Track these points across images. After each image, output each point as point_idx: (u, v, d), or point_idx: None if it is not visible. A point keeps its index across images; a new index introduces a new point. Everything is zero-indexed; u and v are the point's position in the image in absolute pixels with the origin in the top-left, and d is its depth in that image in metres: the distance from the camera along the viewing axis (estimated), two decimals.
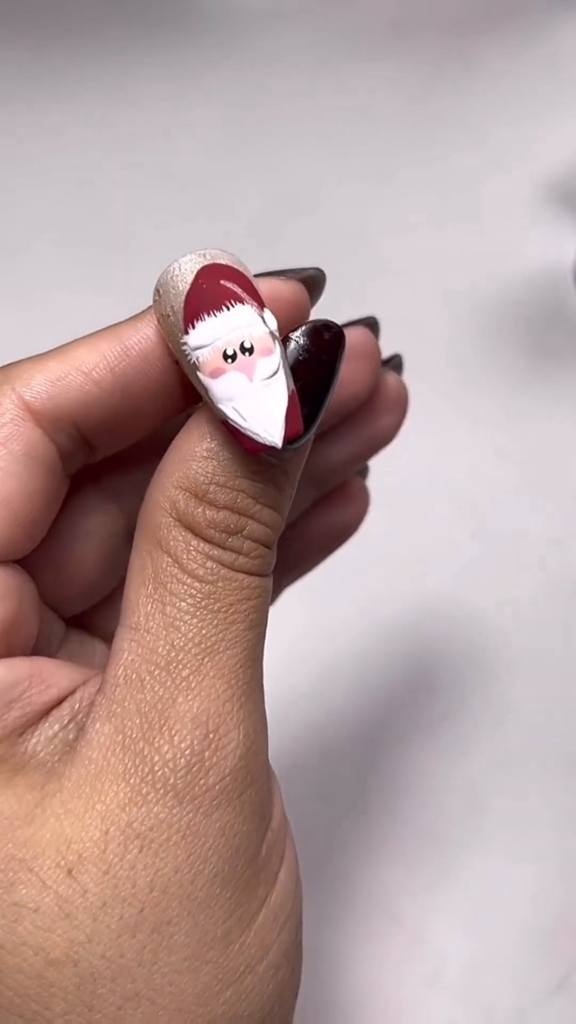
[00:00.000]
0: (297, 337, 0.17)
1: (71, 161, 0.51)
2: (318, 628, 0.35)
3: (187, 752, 0.16)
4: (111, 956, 0.15)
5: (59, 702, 0.17)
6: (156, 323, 0.17)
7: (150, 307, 0.18)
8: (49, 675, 0.17)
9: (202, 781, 0.16)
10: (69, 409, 0.17)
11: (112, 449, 0.19)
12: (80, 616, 0.21)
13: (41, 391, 0.17)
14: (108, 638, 0.21)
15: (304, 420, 0.17)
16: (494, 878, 0.30)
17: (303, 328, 0.17)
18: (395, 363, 0.24)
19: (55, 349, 0.18)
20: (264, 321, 0.16)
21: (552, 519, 0.37)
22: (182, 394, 0.18)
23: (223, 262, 0.17)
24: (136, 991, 0.15)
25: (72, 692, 0.17)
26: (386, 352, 0.23)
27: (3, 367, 0.17)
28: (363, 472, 0.26)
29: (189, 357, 0.16)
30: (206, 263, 0.16)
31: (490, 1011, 0.28)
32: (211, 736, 0.16)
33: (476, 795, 0.31)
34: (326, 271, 0.19)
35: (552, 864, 0.30)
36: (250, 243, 0.45)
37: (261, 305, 0.16)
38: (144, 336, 0.17)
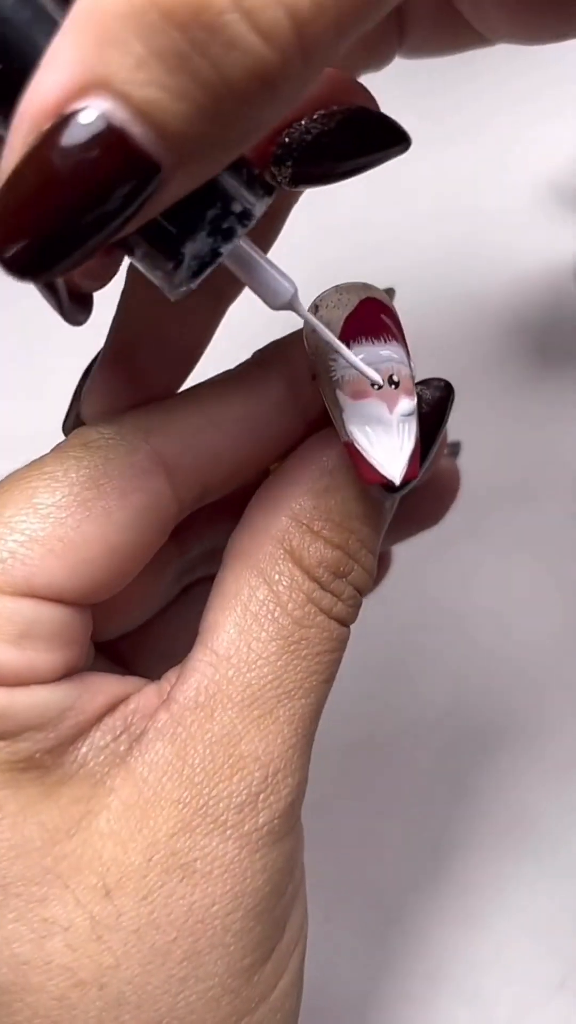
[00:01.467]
0: (421, 391, 0.18)
1: None
2: None
3: (244, 792, 0.16)
4: (138, 982, 0.15)
5: (109, 709, 0.17)
6: (274, 360, 0.17)
7: (274, 348, 0.17)
8: (94, 682, 0.17)
9: (252, 821, 0.16)
10: (201, 466, 0.17)
11: (222, 495, 0.18)
12: (106, 642, 0.21)
13: (176, 444, 0.16)
14: (129, 666, 0.21)
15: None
16: (494, 876, 0.30)
17: (422, 383, 0.18)
18: (453, 449, 0.24)
19: (186, 395, 0.17)
20: (410, 367, 0.17)
21: (553, 518, 0.37)
22: (300, 439, 0.18)
23: (385, 302, 0.17)
24: (159, 1019, 0.15)
25: (124, 701, 0.17)
26: None
27: (136, 413, 0.17)
28: None
29: (334, 374, 0.16)
30: (372, 295, 0.17)
31: (490, 1010, 0.28)
32: (269, 780, 0.16)
33: (476, 794, 0.31)
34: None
35: (553, 863, 0.30)
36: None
37: (408, 354, 0.17)
38: (276, 391, 0.17)
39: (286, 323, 0.17)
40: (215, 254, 0.14)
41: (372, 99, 0.17)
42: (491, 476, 0.38)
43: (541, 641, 0.34)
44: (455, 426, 0.39)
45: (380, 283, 0.48)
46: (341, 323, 0.16)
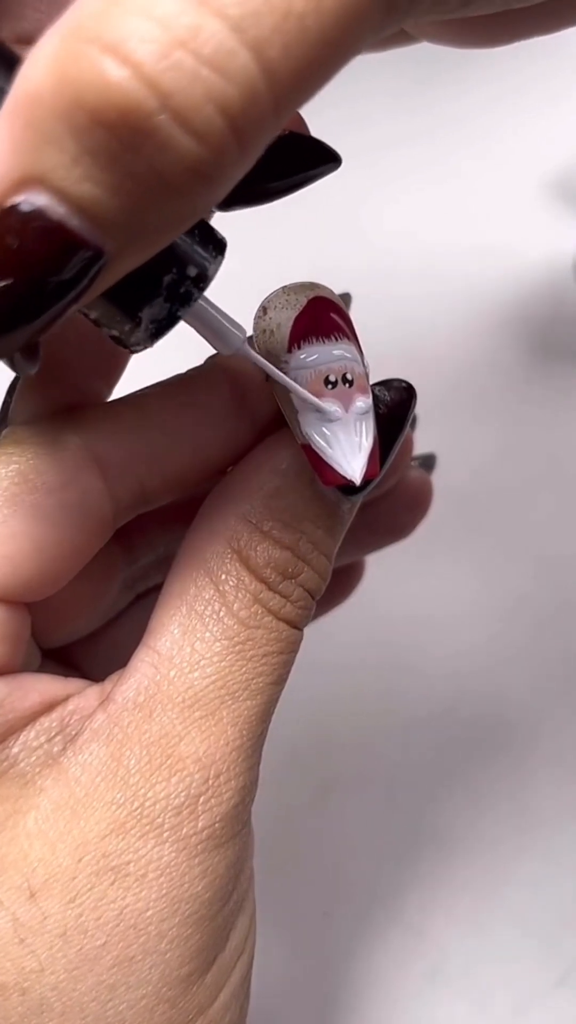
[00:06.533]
0: (380, 391, 0.17)
1: None
2: (316, 625, 0.35)
3: (182, 794, 0.15)
4: (64, 988, 0.14)
5: (45, 709, 0.16)
6: (223, 366, 0.17)
7: (217, 357, 0.17)
8: (27, 681, 0.16)
9: (191, 824, 0.15)
10: (137, 465, 0.16)
11: (166, 501, 0.18)
12: (57, 649, 0.20)
13: (110, 442, 0.16)
14: (83, 674, 0.21)
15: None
16: (494, 873, 0.30)
17: (381, 383, 0.17)
18: (427, 462, 0.24)
19: (126, 397, 0.17)
20: (364, 364, 0.17)
21: (553, 517, 0.37)
22: (249, 446, 0.18)
23: (333, 300, 0.17)
24: None
25: (63, 701, 0.16)
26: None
27: (71, 413, 0.17)
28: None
29: (286, 375, 0.16)
30: (320, 293, 0.17)
31: (490, 1006, 0.28)
32: (210, 782, 0.15)
33: (476, 790, 0.31)
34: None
35: (552, 859, 0.30)
36: (248, 238, 0.45)
37: (361, 352, 0.17)
38: (221, 393, 0.17)
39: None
40: (173, 318, 0.14)
41: (301, 122, 0.17)
42: (490, 474, 0.38)
43: (541, 640, 0.34)
44: (456, 423, 0.39)
45: (379, 281, 0.48)
46: (290, 324, 0.16)
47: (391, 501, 0.23)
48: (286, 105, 0.11)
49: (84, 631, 0.20)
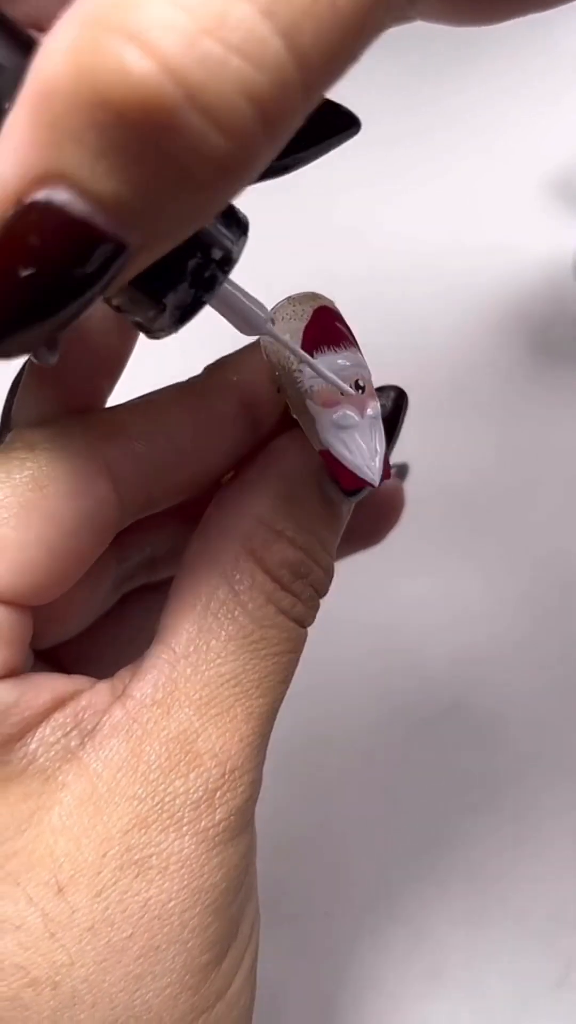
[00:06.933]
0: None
1: None
2: (316, 625, 0.35)
3: (200, 789, 0.16)
4: (94, 980, 0.15)
5: (57, 706, 0.16)
6: (232, 375, 0.17)
7: (226, 362, 0.17)
8: (37, 681, 0.17)
9: (209, 817, 0.16)
10: (147, 474, 0.17)
11: (167, 506, 0.18)
12: (44, 649, 0.21)
13: (122, 451, 0.16)
14: (66, 671, 0.21)
15: None
16: (494, 873, 0.30)
17: (376, 390, 0.18)
18: (400, 471, 0.24)
19: (135, 404, 0.17)
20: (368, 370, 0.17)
21: (553, 517, 0.37)
22: (253, 452, 0.18)
23: (335, 309, 0.17)
24: (115, 1018, 0.15)
25: (74, 698, 0.17)
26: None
27: (82, 418, 0.17)
28: None
29: (301, 385, 0.16)
30: (324, 303, 0.17)
31: (490, 1006, 0.28)
32: (227, 776, 0.16)
33: (476, 790, 0.31)
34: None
35: (552, 858, 0.30)
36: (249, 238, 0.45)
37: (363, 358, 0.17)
38: (229, 402, 0.17)
39: (236, 337, 0.17)
40: (198, 303, 0.14)
41: None
42: (490, 474, 0.38)
43: (541, 639, 0.34)
44: (456, 423, 0.39)
45: (380, 280, 0.48)
46: (300, 334, 0.16)
47: (363, 509, 0.23)
48: (316, 90, 0.10)
49: (74, 632, 0.20)
